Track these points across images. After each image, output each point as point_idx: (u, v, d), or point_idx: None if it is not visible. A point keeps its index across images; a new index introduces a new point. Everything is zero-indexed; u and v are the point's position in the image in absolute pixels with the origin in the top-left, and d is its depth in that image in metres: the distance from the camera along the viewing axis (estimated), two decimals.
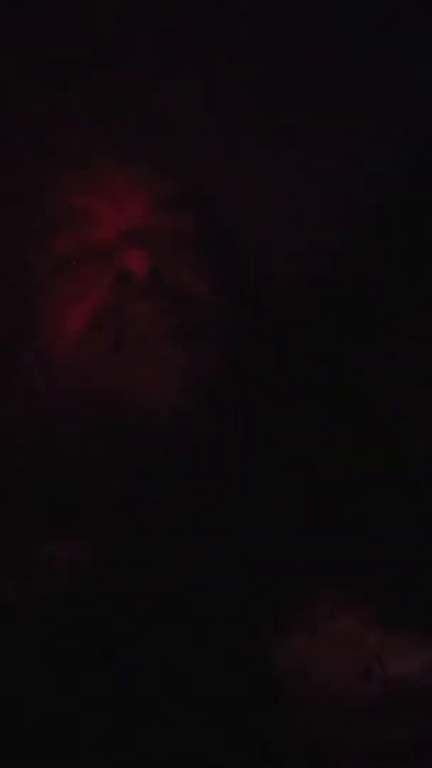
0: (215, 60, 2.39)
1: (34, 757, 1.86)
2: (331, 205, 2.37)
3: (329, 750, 1.97)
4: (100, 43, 2.46)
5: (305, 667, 1.95)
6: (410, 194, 2.41)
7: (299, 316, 2.23)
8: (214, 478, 2.12)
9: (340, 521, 2.13)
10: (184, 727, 1.87)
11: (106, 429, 2.13)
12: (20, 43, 2.51)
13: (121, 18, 2.57)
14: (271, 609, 2.03)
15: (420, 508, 2.22)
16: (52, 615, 2.03)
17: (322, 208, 2.37)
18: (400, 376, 2.21)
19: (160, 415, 2.10)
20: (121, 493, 2.13)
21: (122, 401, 2.11)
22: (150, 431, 2.10)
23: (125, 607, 2.03)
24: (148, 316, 2.12)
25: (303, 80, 2.42)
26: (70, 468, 2.13)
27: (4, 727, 1.89)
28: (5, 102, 2.49)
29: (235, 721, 1.91)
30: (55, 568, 2.03)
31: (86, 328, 2.13)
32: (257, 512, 2.13)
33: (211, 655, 1.99)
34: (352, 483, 2.15)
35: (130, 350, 2.13)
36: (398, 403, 2.22)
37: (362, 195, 2.39)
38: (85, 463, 2.14)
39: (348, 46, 2.52)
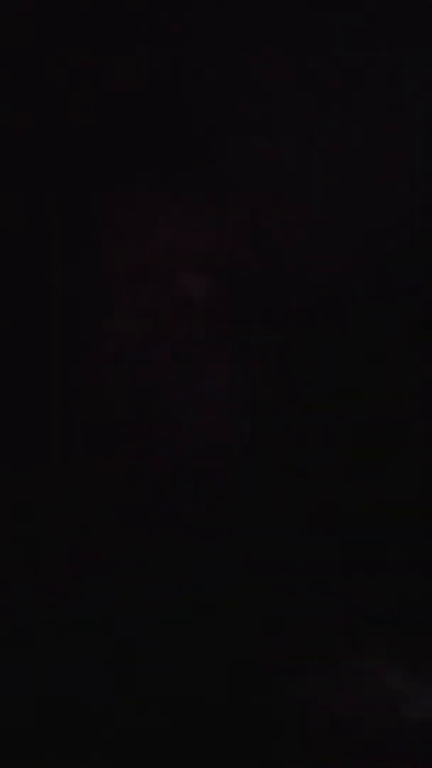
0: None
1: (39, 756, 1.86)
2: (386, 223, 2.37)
3: None
4: None
5: (326, 704, 1.93)
6: None
7: (354, 342, 2.22)
8: (246, 504, 2.11)
9: (367, 556, 2.12)
10: (190, 752, 1.87)
11: (148, 445, 2.13)
12: None
13: None
14: (292, 642, 2.01)
15: None
16: (60, 616, 2.01)
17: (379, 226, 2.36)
18: None
19: (208, 437, 2.10)
20: (146, 506, 2.12)
21: (173, 424, 2.10)
22: (195, 453, 2.10)
23: (146, 627, 2.02)
24: (205, 339, 2.12)
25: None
26: (96, 477, 2.12)
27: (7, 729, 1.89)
28: None
29: (243, 754, 1.90)
30: (67, 572, 2.02)
31: (142, 347, 2.13)
32: (284, 544, 2.11)
33: (225, 685, 1.98)
34: (380, 517, 2.13)
35: (186, 371, 2.13)
36: None
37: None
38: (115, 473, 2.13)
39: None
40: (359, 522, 2.08)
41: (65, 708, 1.94)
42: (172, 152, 2.22)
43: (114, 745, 1.90)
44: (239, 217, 2.20)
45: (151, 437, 2.09)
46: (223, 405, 2.14)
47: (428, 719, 1.96)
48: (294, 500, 2.07)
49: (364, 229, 2.30)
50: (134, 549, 2.04)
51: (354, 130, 2.28)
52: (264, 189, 2.23)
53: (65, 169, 2.17)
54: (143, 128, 2.17)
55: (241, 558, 2.04)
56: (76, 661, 1.95)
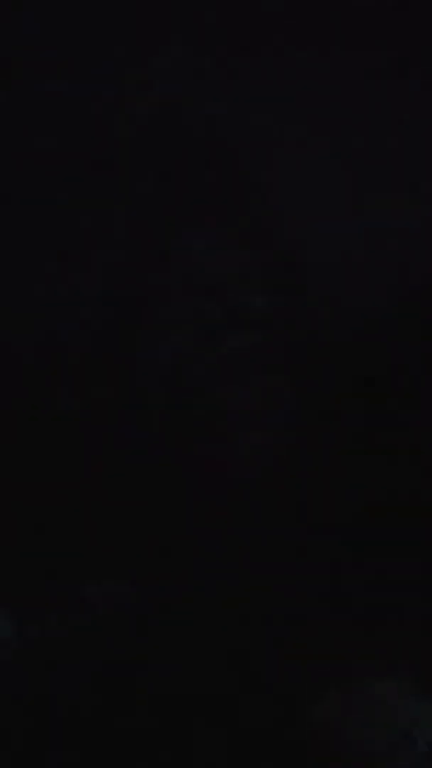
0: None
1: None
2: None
3: None
4: None
5: (339, 731, 1.93)
6: None
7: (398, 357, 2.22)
8: (277, 518, 2.11)
9: (384, 584, 2.11)
10: None
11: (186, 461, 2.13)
12: None
13: None
14: (306, 669, 2.01)
15: None
16: (91, 651, 2.02)
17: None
18: None
19: (253, 450, 2.10)
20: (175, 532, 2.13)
21: (217, 432, 2.11)
22: (237, 466, 2.10)
23: (164, 647, 2.02)
24: (253, 348, 2.14)
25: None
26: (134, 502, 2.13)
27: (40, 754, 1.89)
28: None
29: None
30: (95, 607, 2.02)
31: (191, 353, 2.15)
32: (300, 570, 2.11)
33: (242, 710, 1.98)
34: (399, 546, 2.13)
35: (234, 378, 2.15)
36: None
37: None
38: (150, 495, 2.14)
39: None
40: (384, 546, 2.08)
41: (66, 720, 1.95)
42: (231, 201, 2.28)
43: (130, 756, 1.90)
44: (284, 246, 2.22)
45: (198, 437, 2.10)
46: (268, 413, 2.15)
47: None
48: (321, 519, 2.06)
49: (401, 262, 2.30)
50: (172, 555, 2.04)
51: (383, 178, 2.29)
52: (306, 224, 2.25)
53: (156, 212, 2.29)
54: (212, 183, 2.27)
55: (260, 576, 2.04)
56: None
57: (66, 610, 2.02)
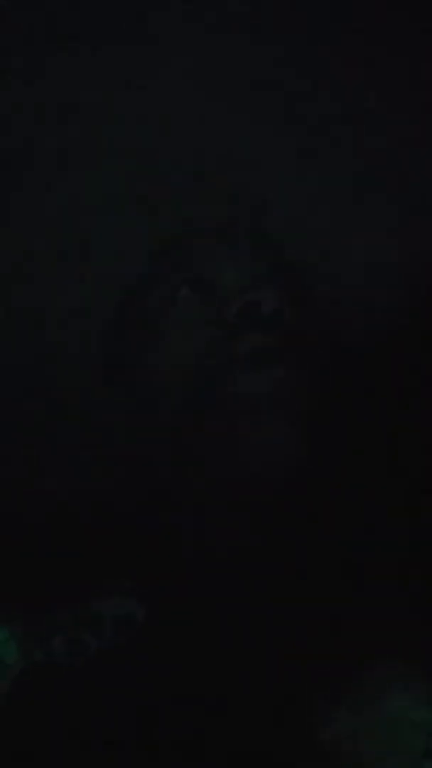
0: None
1: None
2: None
3: None
4: None
5: (353, 754, 1.89)
6: None
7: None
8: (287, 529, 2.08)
9: (400, 596, 2.08)
10: None
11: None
12: None
13: None
14: (320, 681, 1.98)
15: None
16: (99, 672, 1.99)
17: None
18: None
19: (261, 446, 2.08)
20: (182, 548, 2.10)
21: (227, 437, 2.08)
22: (247, 460, 2.08)
23: (173, 668, 1.99)
24: (266, 350, 2.12)
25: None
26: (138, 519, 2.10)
27: None
28: None
29: None
30: (102, 626, 1.99)
31: (202, 355, 2.13)
32: (314, 585, 2.08)
33: (255, 723, 1.95)
34: (413, 559, 2.09)
35: (244, 378, 2.13)
36: None
37: None
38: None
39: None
40: (391, 562, 2.05)
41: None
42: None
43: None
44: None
45: (205, 441, 2.07)
46: (278, 418, 2.11)
47: None
48: (329, 535, 2.03)
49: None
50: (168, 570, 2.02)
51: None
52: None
53: None
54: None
55: (267, 593, 2.01)
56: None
57: (73, 630, 1.99)
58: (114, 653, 1.94)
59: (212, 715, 1.90)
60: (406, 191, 2.41)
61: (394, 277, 2.34)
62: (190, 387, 2.06)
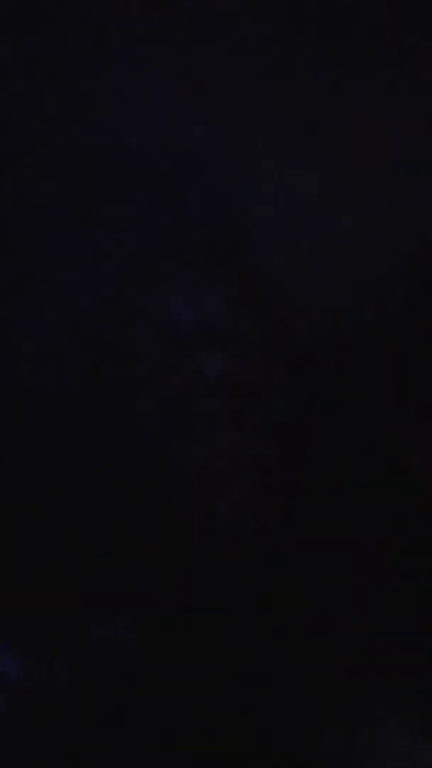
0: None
1: None
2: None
3: None
4: None
5: (343, 765, 1.91)
6: None
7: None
8: (255, 573, 2.10)
9: (391, 626, 2.11)
10: None
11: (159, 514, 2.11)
12: None
13: None
14: (305, 714, 2.00)
15: None
16: (97, 694, 2.00)
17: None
18: None
19: (221, 510, 2.08)
20: (168, 572, 2.11)
21: (184, 491, 2.09)
22: (207, 523, 2.08)
23: (171, 689, 2.00)
24: (218, 411, 2.11)
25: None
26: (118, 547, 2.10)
27: None
28: None
29: None
30: (99, 648, 2.00)
31: (153, 416, 2.12)
32: (307, 614, 2.10)
33: (247, 751, 1.97)
34: (403, 581, 2.12)
35: (197, 442, 2.13)
36: None
37: None
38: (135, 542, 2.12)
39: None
40: (377, 587, 2.07)
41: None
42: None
43: None
44: (248, 301, 2.21)
45: (166, 498, 2.08)
46: (233, 470, 2.13)
47: None
48: (307, 565, 2.05)
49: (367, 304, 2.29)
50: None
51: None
52: (271, 278, 2.24)
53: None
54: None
55: (257, 621, 2.03)
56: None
57: (73, 651, 2.00)
58: (112, 672, 1.94)
59: (206, 739, 1.91)
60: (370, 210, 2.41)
61: (367, 290, 2.34)
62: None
